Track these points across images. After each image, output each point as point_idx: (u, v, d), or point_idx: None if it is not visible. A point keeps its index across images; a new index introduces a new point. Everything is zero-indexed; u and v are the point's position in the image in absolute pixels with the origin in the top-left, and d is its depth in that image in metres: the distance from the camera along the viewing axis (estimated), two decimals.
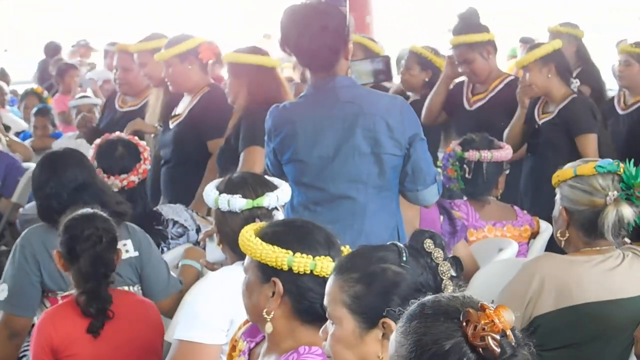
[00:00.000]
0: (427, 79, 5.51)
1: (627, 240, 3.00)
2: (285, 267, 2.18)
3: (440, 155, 4.51)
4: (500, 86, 5.09)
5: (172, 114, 4.99)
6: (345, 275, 1.96)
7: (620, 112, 5.39)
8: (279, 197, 2.86)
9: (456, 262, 2.01)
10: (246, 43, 4.82)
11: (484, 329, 1.46)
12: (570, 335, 2.91)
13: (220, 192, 2.85)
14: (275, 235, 2.23)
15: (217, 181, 2.96)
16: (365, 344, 1.94)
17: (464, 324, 1.47)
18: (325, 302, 1.99)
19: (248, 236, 2.24)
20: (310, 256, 2.18)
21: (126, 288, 3.49)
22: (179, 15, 17.81)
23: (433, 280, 1.97)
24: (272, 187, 2.89)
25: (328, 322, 2.00)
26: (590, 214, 2.91)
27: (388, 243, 2.04)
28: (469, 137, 4.37)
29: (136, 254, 3.54)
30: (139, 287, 3.55)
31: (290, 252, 2.18)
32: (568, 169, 2.97)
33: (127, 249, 3.53)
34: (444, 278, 1.98)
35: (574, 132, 4.66)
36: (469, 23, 5.20)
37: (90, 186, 3.55)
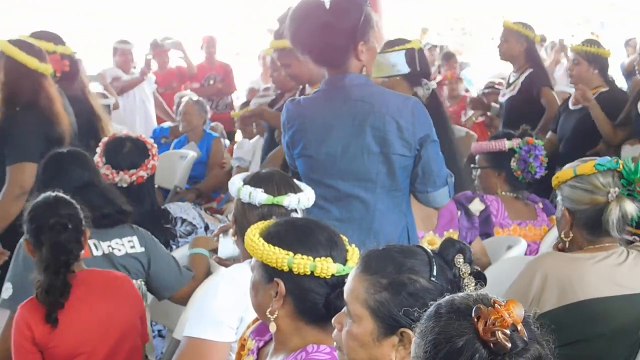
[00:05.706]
0: None
1: (636, 238, 3.00)
2: (286, 268, 2.16)
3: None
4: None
5: None
6: (372, 278, 1.93)
7: (571, 107, 5.60)
8: (300, 200, 2.85)
9: (480, 276, 2.00)
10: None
11: (494, 324, 1.47)
12: (575, 332, 2.90)
13: (245, 183, 2.85)
14: (278, 235, 2.22)
15: (245, 173, 2.98)
16: (380, 347, 1.93)
17: (475, 320, 1.48)
18: (346, 295, 1.97)
19: (252, 236, 2.24)
20: (310, 257, 2.16)
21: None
22: (183, 13, 17.82)
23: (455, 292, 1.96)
24: (296, 190, 2.88)
25: (344, 314, 1.98)
26: (593, 213, 2.92)
27: (416, 246, 2.02)
28: (522, 129, 4.52)
29: (142, 249, 3.56)
30: (142, 281, 3.56)
31: (291, 253, 2.16)
32: (567, 170, 2.98)
33: (132, 244, 3.55)
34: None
35: None
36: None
37: (96, 186, 3.55)
